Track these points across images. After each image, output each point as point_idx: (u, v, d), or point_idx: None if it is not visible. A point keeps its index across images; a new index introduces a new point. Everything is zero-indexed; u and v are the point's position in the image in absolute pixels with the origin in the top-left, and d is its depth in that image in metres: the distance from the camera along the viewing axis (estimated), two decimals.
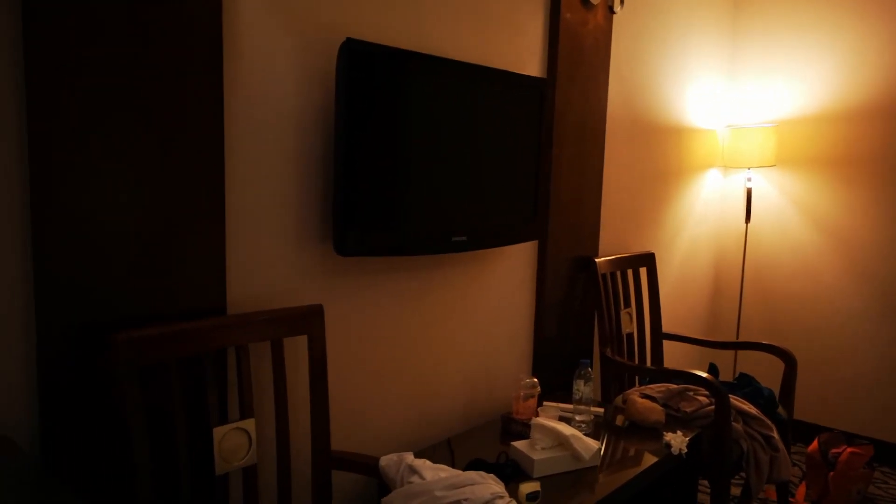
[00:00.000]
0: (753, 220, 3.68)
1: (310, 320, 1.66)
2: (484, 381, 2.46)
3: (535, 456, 1.92)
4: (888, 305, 3.31)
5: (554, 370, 2.72)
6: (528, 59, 2.47)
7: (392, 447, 2.12)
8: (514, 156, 2.21)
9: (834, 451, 2.95)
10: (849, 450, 2.89)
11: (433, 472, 1.51)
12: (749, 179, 3.59)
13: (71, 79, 1.32)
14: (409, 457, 1.59)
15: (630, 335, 2.96)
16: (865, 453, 2.89)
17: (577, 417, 2.29)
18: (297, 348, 1.79)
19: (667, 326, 3.31)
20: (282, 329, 1.61)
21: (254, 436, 1.54)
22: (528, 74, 2.32)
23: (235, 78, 1.62)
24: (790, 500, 2.85)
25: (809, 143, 3.51)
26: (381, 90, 1.76)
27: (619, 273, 2.93)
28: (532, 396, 2.27)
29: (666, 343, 3.19)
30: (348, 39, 1.67)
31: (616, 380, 2.77)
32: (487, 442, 2.20)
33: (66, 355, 1.35)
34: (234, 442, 1.51)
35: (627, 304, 2.96)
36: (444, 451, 2.12)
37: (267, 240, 1.73)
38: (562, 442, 1.97)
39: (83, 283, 1.36)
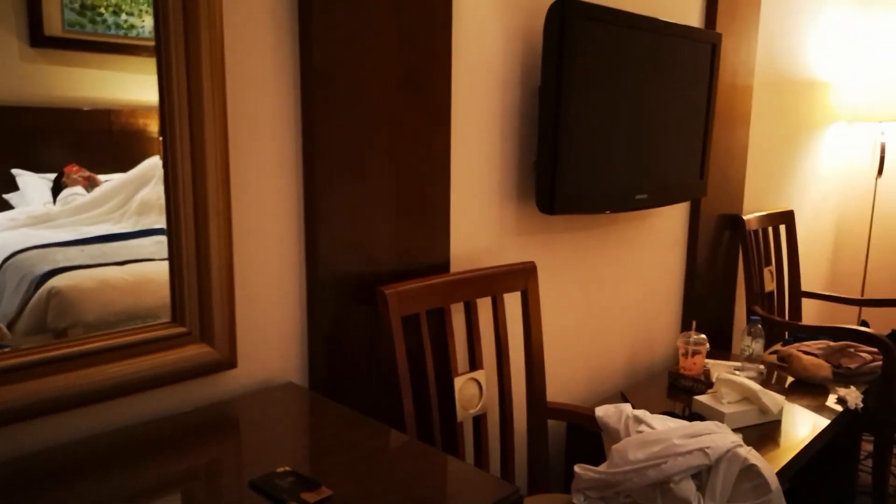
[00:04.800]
0: (885, 176, 3.57)
1: (526, 277, 1.72)
2: (644, 338, 2.50)
3: (725, 409, 1.95)
4: None
5: (702, 327, 2.73)
6: (689, 11, 2.43)
7: (574, 398, 2.19)
8: (688, 114, 2.20)
9: None
10: None
11: (662, 422, 1.56)
12: (882, 133, 3.48)
13: (343, 53, 1.37)
14: (629, 408, 1.64)
15: (771, 293, 2.95)
16: None
17: (745, 374, 2.31)
18: (507, 304, 1.85)
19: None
20: (503, 285, 1.67)
21: (484, 386, 1.61)
22: (701, 28, 2.29)
23: (456, 42, 1.65)
24: None
25: None
26: (583, 48, 1.77)
27: (762, 231, 2.91)
28: (699, 353, 2.30)
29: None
30: None
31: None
32: (656, 396, 2.25)
33: (329, 309, 1.43)
34: (470, 391, 1.58)
35: (769, 263, 2.94)
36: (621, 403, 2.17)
37: (477, 201, 1.78)
38: (748, 396, 2.00)
39: (342, 246, 1.44)
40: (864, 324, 2.76)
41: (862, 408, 2.17)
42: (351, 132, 1.42)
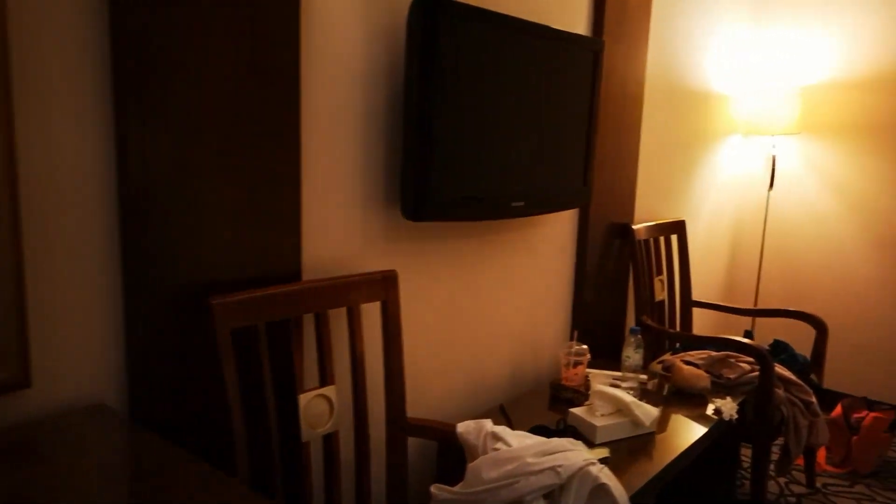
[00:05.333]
0: (776, 189, 3.68)
1: (386, 286, 1.63)
2: (529, 348, 2.45)
3: (598, 422, 1.92)
4: None
5: (591, 337, 2.72)
6: (576, 18, 2.41)
7: (448, 414, 2.11)
8: (568, 120, 2.16)
9: (856, 415, 3.01)
10: (872, 414, 2.95)
11: (518, 439, 1.50)
12: (773, 146, 3.58)
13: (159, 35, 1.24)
14: (489, 424, 1.57)
15: (661, 302, 2.97)
16: (887, 417, 2.96)
17: (625, 384, 2.29)
18: (367, 315, 1.75)
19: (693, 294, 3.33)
20: (360, 295, 1.57)
21: (336, 402, 1.51)
22: (584, 35, 2.27)
23: (308, 32, 1.55)
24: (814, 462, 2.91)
25: (835, 110, 3.50)
26: (451, 48, 1.70)
27: (652, 240, 2.92)
28: (581, 363, 2.26)
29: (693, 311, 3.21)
30: None
31: (650, 347, 2.78)
32: (538, 408, 2.20)
33: (152, 320, 1.30)
34: (318, 409, 1.48)
35: (660, 272, 2.96)
36: (499, 417, 2.11)
37: (334, 205, 1.67)
38: (622, 408, 1.97)
39: (170, 250, 1.31)
40: (748, 334, 2.81)
41: (737, 418, 2.18)
42: (178, 121, 1.29)
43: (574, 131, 2.20)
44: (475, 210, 1.87)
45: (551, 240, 2.47)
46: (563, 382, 2.26)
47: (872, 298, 3.46)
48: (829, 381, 3.59)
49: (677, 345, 2.83)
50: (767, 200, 3.68)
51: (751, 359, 2.47)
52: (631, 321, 2.94)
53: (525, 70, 1.94)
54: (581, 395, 2.18)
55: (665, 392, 2.35)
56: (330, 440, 1.54)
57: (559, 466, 1.39)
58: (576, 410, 2.00)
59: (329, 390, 1.51)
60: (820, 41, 3.50)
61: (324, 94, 1.60)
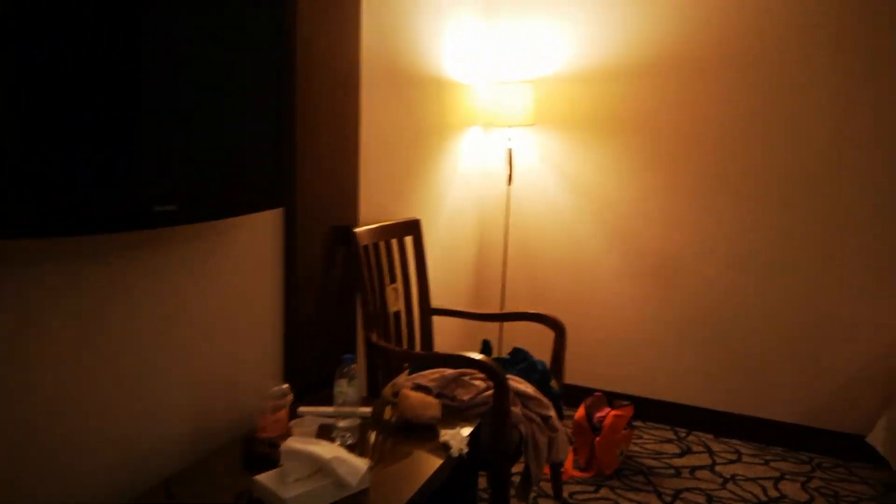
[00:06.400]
0: (515, 183, 3.54)
1: None
2: (221, 393, 1.91)
3: (287, 493, 1.45)
4: (639, 265, 3.39)
5: (312, 365, 2.26)
6: None
7: (93, 499, 1.50)
8: (243, 93, 1.66)
9: (598, 414, 2.92)
10: (612, 413, 2.88)
11: None
12: (510, 139, 3.43)
13: None
14: None
15: (398, 314, 2.61)
16: (626, 414, 2.91)
17: (341, 423, 1.86)
18: None
19: (435, 300, 3.04)
20: None
21: None
22: None
23: None
24: (561, 470, 2.75)
25: (568, 101, 3.45)
26: None
27: (382, 244, 2.55)
28: (282, 407, 1.79)
29: (437, 319, 2.91)
30: None
31: (384, 368, 2.40)
32: (224, 475, 1.68)
33: None
34: None
35: (394, 279, 2.60)
36: (160, 499, 1.55)
37: None
38: (322, 468, 1.53)
39: None
40: (486, 344, 2.55)
41: (467, 451, 1.86)
42: None
43: (254, 108, 1.70)
44: (83, 219, 1.29)
45: (243, 252, 1.95)
46: (259, 434, 1.76)
47: (610, 292, 3.46)
48: (575, 378, 3.54)
49: (417, 365, 2.48)
50: (508, 196, 3.53)
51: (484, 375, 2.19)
52: (364, 340, 2.53)
53: (155, 13, 1.40)
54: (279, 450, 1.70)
55: (393, 421, 1.97)
56: None
57: None
58: (263, 478, 1.52)
59: None
60: (551, 34, 3.42)
61: None
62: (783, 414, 3.17)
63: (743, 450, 3.13)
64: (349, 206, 2.42)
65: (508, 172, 3.44)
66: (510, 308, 3.58)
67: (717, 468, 2.94)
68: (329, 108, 2.25)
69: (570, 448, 3.01)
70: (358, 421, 1.90)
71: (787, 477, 2.87)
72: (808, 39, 2.96)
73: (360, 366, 2.46)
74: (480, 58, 3.47)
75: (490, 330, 3.59)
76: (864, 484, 2.83)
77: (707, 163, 3.20)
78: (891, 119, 2.88)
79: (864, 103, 2.91)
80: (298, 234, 2.16)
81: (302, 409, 1.98)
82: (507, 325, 3.56)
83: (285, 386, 1.79)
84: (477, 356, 2.09)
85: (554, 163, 3.51)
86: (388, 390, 2.12)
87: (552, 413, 2.24)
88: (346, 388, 1.83)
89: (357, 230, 2.35)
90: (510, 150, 3.43)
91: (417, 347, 2.74)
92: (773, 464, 2.99)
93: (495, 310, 3.57)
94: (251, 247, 1.98)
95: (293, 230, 2.13)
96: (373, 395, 2.31)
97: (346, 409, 1.86)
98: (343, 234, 2.36)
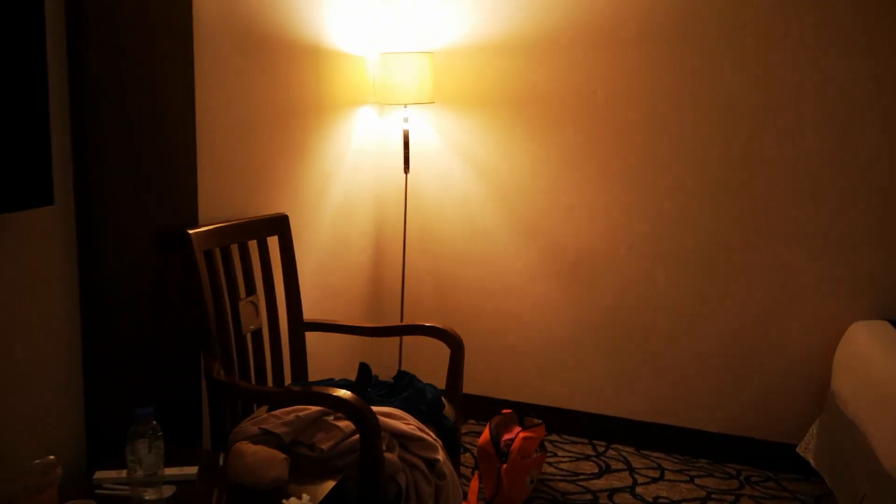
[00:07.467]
0: (414, 171, 3.09)
1: None
2: None
3: None
4: (553, 262, 3.01)
5: (129, 411, 1.76)
6: None
7: None
8: None
9: (506, 437, 2.54)
10: (521, 435, 2.50)
11: None
12: (406, 120, 2.98)
13: None
14: None
15: (258, 332, 2.14)
16: (537, 436, 2.54)
17: (148, 496, 1.39)
18: None
19: (313, 312, 2.56)
20: None
21: None
22: None
23: None
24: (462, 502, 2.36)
25: (472, 76, 3.01)
26: None
27: (235, 247, 2.06)
28: (48, 487, 1.29)
29: (318, 337, 2.43)
30: None
31: (231, 408, 1.92)
32: None
33: None
34: None
35: (252, 291, 2.12)
36: None
37: None
38: None
39: None
40: (364, 368, 2.07)
41: None
42: None
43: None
44: None
45: (3, 266, 1.44)
46: None
47: (521, 291, 3.07)
48: (483, 389, 3.14)
49: (269, 404, 2.00)
50: (406, 184, 3.08)
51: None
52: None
53: None
54: None
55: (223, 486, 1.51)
56: None
57: None
58: None
59: None
60: (449, 2, 2.97)
61: None
62: (708, 423, 2.88)
63: (666, 464, 2.82)
64: (183, 202, 1.92)
65: (405, 158, 2.99)
66: (411, 317, 3.14)
67: (639, 489, 2.61)
68: (146, 78, 1.74)
69: (476, 475, 2.62)
70: (170, 492, 1.42)
71: (714, 496, 2.57)
72: (740, 10, 2.63)
73: (204, 404, 1.96)
74: (371, 24, 2.99)
75: (387, 346, 3.15)
76: (795, 500, 2.56)
77: (629, 150, 2.84)
78: (826, 100, 2.58)
79: (799, 86, 2.60)
80: (106, 238, 1.65)
81: (99, 474, 1.49)
82: (407, 339, 3.11)
83: (51, 458, 1.29)
84: (336, 392, 1.65)
85: (457, 147, 3.08)
86: (236, 436, 1.66)
87: (440, 455, 1.81)
88: (144, 455, 1.35)
89: (193, 231, 1.85)
90: (406, 132, 2.97)
91: (287, 372, 2.27)
92: (698, 480, 2.69)
93: (395, 320, 3.12)
94: (11, 262, 1.46)
95: (90, 234, 1.61)
96: (219, 445, 1.83)
97: (149, 481, 1.38)
98: (175, 236, 1.86)
